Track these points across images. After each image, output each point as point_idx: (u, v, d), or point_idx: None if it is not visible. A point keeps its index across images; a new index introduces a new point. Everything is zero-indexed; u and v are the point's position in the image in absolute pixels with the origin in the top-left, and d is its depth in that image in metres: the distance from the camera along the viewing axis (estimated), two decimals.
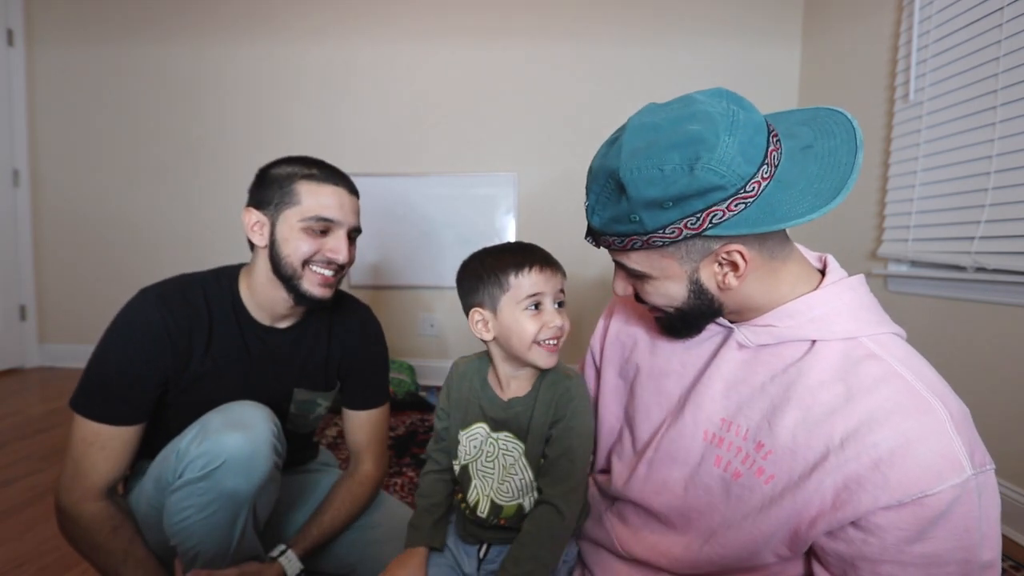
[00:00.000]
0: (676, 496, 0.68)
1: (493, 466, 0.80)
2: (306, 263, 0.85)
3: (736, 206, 0.53)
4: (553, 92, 2.47)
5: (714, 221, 0.54)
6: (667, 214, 0.55)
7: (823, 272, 0.65)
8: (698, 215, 0.54)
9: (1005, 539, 1.27)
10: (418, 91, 2.52)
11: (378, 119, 2.54)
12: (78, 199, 2.70)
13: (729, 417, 0.64)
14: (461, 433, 0.82)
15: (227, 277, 0.92)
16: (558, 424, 0.76)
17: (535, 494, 0.78)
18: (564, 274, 0.77)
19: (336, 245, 0.86)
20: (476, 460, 0.81)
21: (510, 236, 2.52)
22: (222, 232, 2.62)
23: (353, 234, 0.91)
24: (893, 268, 1.76)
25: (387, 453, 1.08)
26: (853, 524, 0.53)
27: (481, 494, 0.80)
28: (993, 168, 1.39)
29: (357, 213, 0.90)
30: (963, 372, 1.45)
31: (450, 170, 2.53)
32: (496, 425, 0.79)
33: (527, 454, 0.78)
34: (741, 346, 0.65)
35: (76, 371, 2.66)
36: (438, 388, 2.50)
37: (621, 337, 0.83)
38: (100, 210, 2.69)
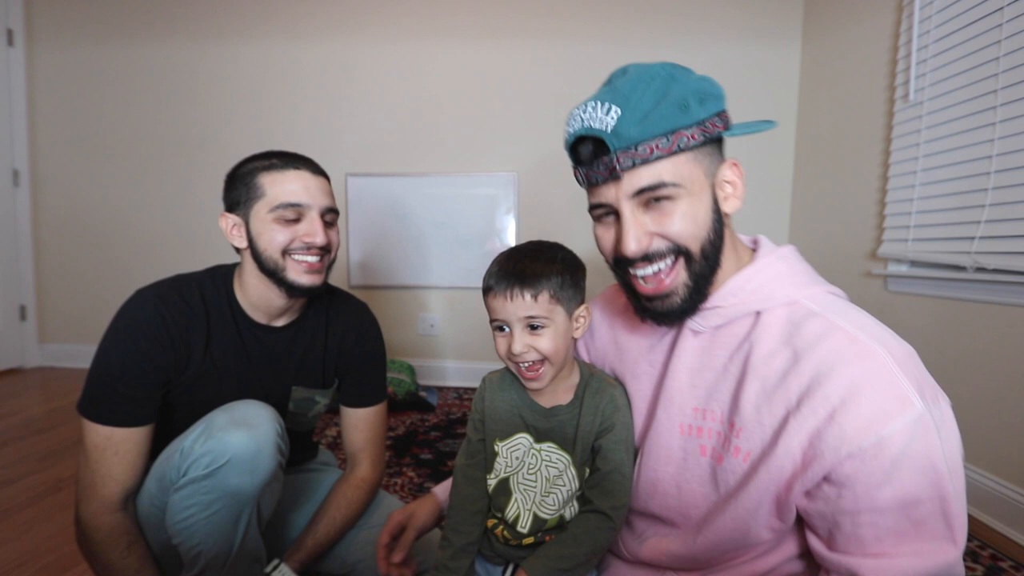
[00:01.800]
0: (671, 496, 0.69)
1: (535, 478, 0.76)
2: (286, 253, 0.84)
3: (727, 116, 0.62)
4: (553, 92, 2.47)
5: (726, 123, 0.61)
6: (708, 106, 0.60)
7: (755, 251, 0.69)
8: (721, 114, 0.61)
9: (1005, 539, 1.27)
10: (418, 91, 2.52)
11: (378, 119, 2.54)
12: (78, 199, 2.70)
13: (701, 405, 0.65)
14: (500, 444, 0.78)
15: (222, 276, 0.92)
16: (607, 435, 0.74)
17: (575, 504, 0.77)
18: (546, 293, 0.69)
19: (310, 228, 0.84)
20: (517, 473, 0.77)
21: (510, 236, 2.52)
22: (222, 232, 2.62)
23: (328, 215, 0.88)
24: (893, 268, 1.76)
25: (384, 455, 1.07)
26: (826, 480, 0.54)
27: (523, 508, 0.77)
28: (993, 168, 1.39)
29: (327, 193, 0.88)
30: (963, 372, 1.45)
31: (450, 170, 2.53)
32: (539, 435, 0.76)
33: (575, 464, 0.75)
34: (696, 333, 0.67)
35: (76, 371, 2.69)
36: (438, 388, 2.50)
37: (599, 346, 0.84)
38: (100, 210, 2.69)
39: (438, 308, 2.61)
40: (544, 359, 0.71)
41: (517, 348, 0.70)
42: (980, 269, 1.42)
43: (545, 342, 0.70)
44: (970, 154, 1.47)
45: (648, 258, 0.62)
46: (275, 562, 0.87)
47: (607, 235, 0.66)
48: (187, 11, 2.57)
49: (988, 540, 1.26)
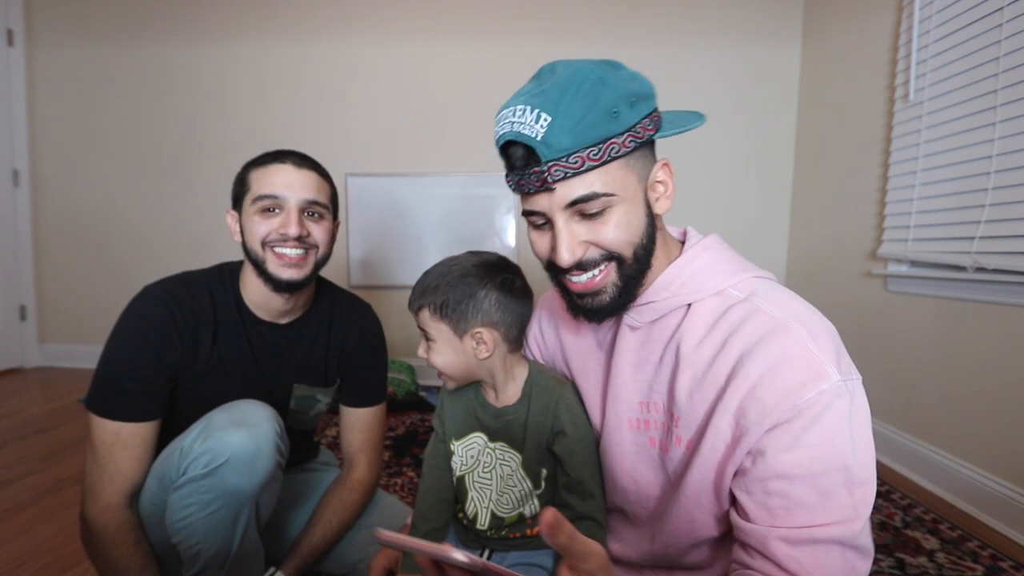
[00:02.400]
0: (630, 490, 0.70)
1: (490, 477, 0.78)
2: (266, 245, 0.84)
3: (659, 116, 0.61)
4: None
5: (656, 124, 0.61)
6: (639, 108, 0.58)
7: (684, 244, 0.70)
8: (652, 116, 0.60)
9: (1005, 539, 1.27)
10: (418, 91, 2.52)
11: (378, 119, 2.55)
12: (78, 199, 2.70)
13: (645, 399, 0.67)
14: (456, 443, 0.80)
15: (228, 274, 0.92)
16: (566, 437, 0.73)
17: (535, 502, 0.77)
18: (427, 310, 0.73)
19: (284, 220, 0.84)
20: (472, 471, 0.79)
21: (510, 236, 2.53)
22: (223, 232, 2.61)
23: (312, 208, 0.86)
24: (893, 268, 1.76)
25: (382, 457, 1.07)
26: (748, 454, 0.55)
27: (479, 506, 0.78)
28: (993, 168, 1.39)
29: (310, 187, 0.86)
30: (963, 372, 1.45)
31: (450, 170, 2.53)
32: (492, 435, 0.78)
33: (524, 465, 0.76)
34: (633, 329, 0.68)
35: (76, 371, 2.69)
36: (438, 388, 2.50)
37: (548, 347, 0.85)
38: (100, 210, 2.69)
39: None
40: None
41: (420, 352, 0.75)
42: (980, 269, 1.42)
43: (436, 356, 0.74)
44: (970, 154, 1.47)
45: (582, 266, 0.62)
46: (271, 570, 0.87)
47: (542, 241, 0.65)
48: (187, 11, 2.57)
49: (988, 540, 1.26)
